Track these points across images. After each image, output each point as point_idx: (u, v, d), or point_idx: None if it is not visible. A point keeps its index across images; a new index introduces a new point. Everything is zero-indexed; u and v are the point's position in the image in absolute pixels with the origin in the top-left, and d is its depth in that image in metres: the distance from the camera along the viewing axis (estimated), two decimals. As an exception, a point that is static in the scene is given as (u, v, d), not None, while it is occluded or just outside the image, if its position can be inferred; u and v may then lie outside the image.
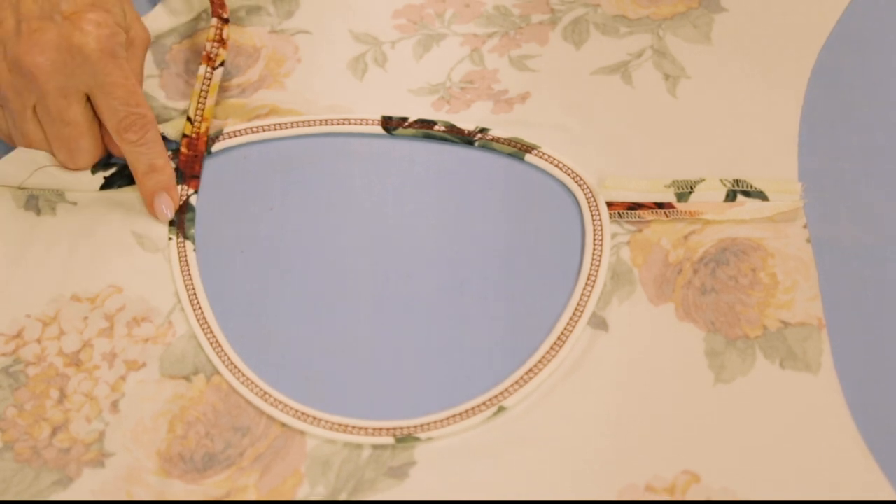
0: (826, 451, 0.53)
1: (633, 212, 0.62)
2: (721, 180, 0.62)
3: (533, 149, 0.65)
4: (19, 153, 0.63)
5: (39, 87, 0.60)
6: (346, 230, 0.63)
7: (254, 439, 0.55)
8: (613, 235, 0.61)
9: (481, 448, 0.55)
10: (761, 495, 0.52)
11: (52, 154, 0.63)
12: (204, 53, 0.69)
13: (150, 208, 0.63)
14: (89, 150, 0.63)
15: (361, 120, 0.67)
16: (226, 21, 0.70)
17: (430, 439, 0.55)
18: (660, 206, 0.62)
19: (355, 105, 0.68)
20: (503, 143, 0.65)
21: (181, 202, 0.64)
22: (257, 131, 0.67)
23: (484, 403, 0.56)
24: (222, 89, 0.69)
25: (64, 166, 0.63)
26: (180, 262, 0.62)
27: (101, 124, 0.63)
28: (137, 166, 0.63)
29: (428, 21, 0.72)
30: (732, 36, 0.70)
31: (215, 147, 0.67)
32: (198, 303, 0.60)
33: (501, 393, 0.56)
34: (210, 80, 0.68)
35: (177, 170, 0.65)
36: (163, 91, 0.69)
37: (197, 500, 0.54)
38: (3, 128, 0.64)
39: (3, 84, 0.61)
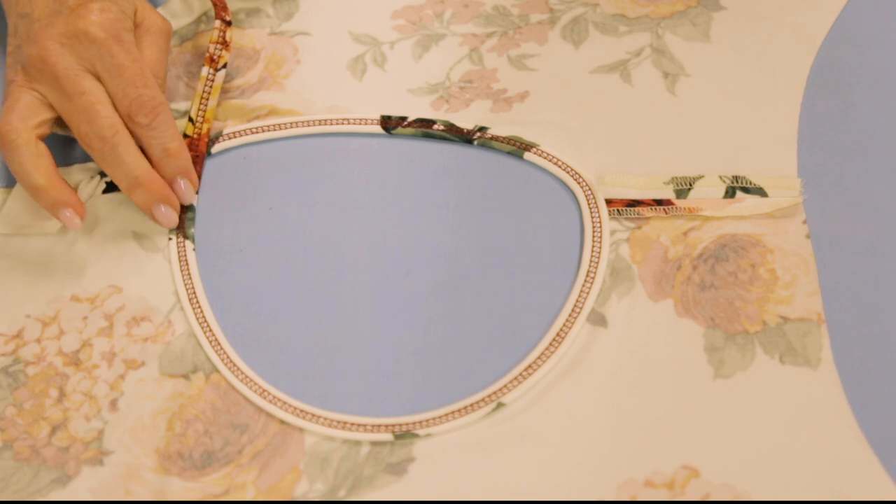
0: (826, 445, 0.53)
1: (632, 209, 0.62)
2: (720, 177, 0.62)
3: (532, 147, 0.65)
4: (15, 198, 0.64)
5: (51, 69, 0.60)
6: (345, 229, 0.63)
7: (252, 436, 0.55)
8: (612, 232, 0.61)
9: (480, 444, 0.54)
10: (761, 490, 0.52)
11: (74, 132, 0.61)
12: (207, 55, 0.69)
13: (174, 193, 0.62)
14: (107, 116, 0.60)
15: (361, 120, 0.67)
16: (229, 24, 0.70)
17: (428, 435, 0.55)
18: (659, 202, 0.62)
19: (354, 105, 0.68)
20: (502, 142, 0.65)
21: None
22: (257, 132, 0.67)
23: (483, 399, 0.56)
24: (222, 91, 0.69)
25: (86, 143, 0.61)
26: (180, 261, 0.62)
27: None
28: (151, 151, 0.62)
29: (427, 21, 0.72)
30: (731, 34, 0.70)
31: (215, 148, 0.67)
32: (197, 302, 0.60)
33: (500, 389, 0.56)
34: (213, 81, 0.68)
35: (176, 170, 0.65)
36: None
37: (196, 497, 0.54)
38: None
39: (24, 87, 0.61)
